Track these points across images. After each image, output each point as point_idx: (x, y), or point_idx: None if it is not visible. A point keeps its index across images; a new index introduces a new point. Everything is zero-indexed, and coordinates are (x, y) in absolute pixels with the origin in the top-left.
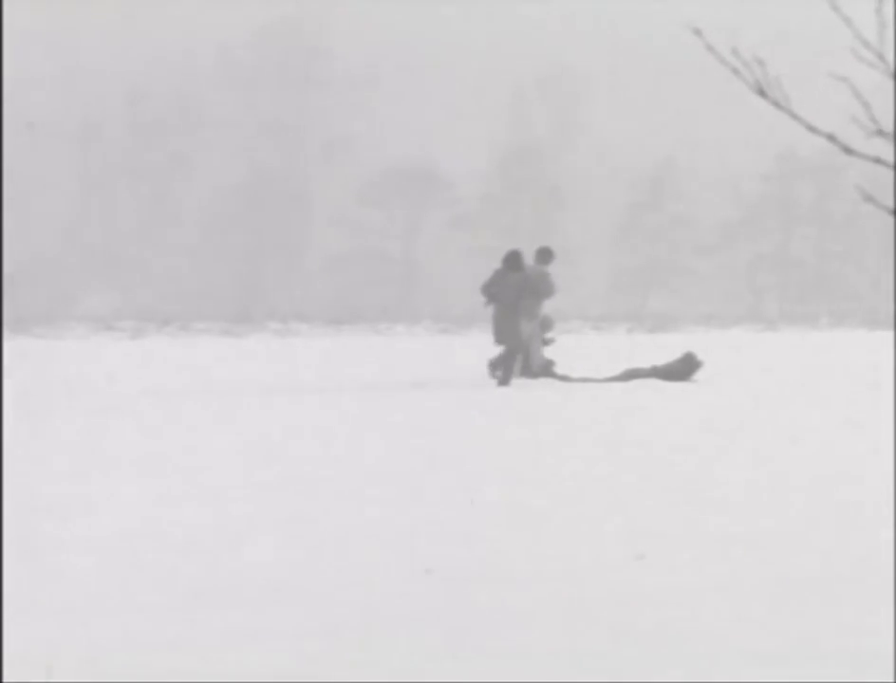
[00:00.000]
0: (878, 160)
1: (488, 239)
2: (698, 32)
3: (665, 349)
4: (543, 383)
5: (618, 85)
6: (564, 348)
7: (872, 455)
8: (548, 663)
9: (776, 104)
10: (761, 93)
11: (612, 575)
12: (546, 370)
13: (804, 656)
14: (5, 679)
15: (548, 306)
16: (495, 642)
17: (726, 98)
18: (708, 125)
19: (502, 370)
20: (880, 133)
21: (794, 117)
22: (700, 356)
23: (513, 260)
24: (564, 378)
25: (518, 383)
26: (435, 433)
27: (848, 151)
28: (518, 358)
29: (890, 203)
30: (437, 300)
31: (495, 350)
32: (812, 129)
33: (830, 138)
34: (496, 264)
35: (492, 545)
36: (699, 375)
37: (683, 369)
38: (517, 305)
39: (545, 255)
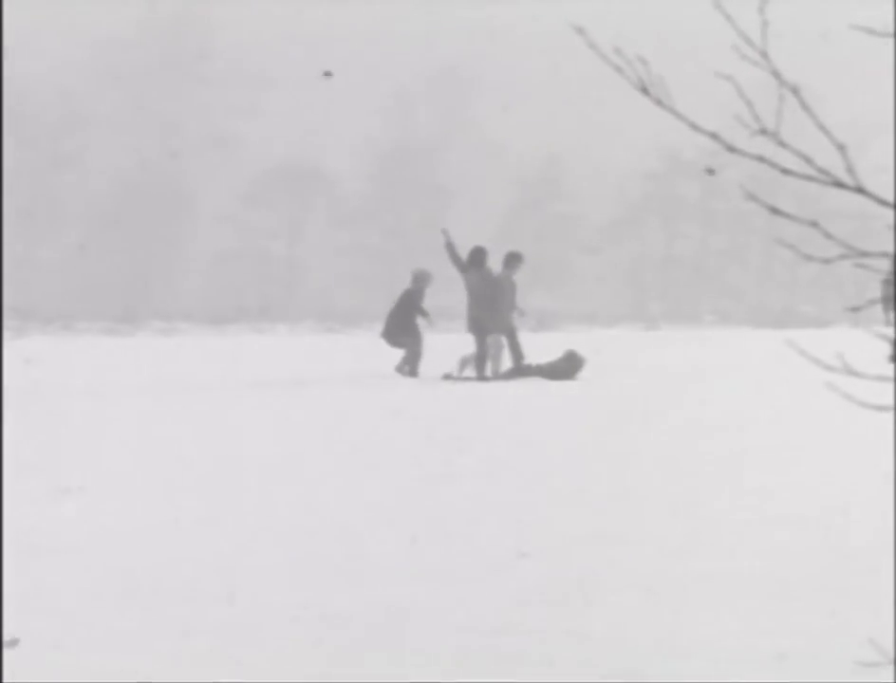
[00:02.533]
0: (761, 159)
1: (371, 238)
2: (581, 31)
3: (549, 348)
4: (422, 382)
5: (505, 85)
6: (451, 347)
7: (758, 452)
8: (426, 664)
9: (659, 103)
10: (644, 91)
11: (493, 573)
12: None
13: (690, 653)
14: (5, 679)
15: (432, 304)
16: (391, 640)
17: (611, 97)
18: (594, 125)
19: (475, 366)
20: (763, 131)
21: (677, 115)
22: (584, 354)
23: (476, 257)
24: (447, 377)
25: (404, 380)
26: (331, 430)
27: (731, 149)
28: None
29: (772, 201)
30: (320, 298)
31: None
32: (694, 127)
33: (714, 136)
34: (381, 263)
35: (361, 543)
36: (582, 373)
37: (567, 368)
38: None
39: (513, 260)
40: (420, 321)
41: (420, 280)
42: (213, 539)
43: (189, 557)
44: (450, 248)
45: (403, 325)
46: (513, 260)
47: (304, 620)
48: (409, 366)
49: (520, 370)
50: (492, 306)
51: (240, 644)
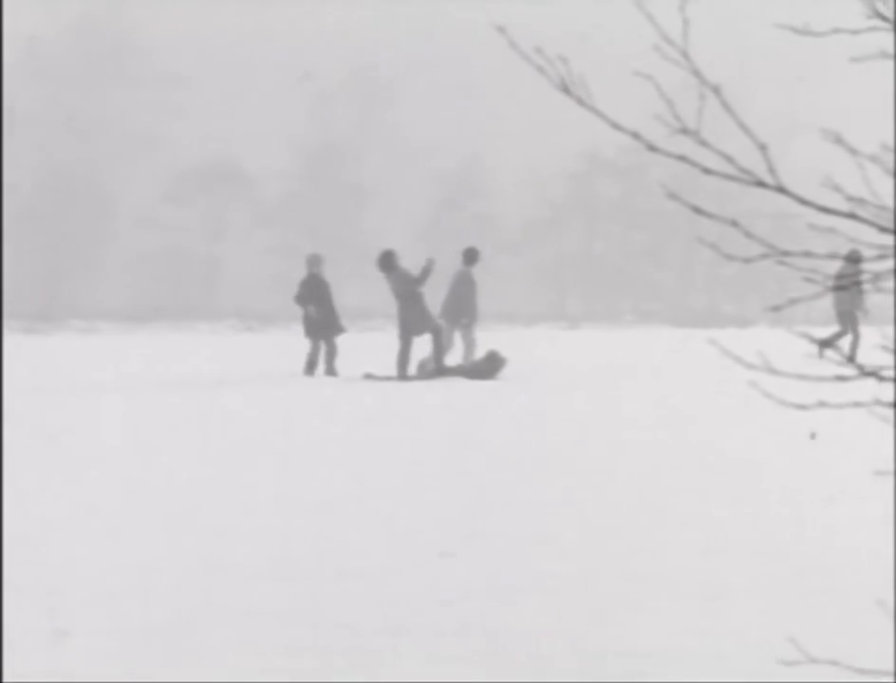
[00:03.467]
0: (682, 158)
1: (291, 238)
2: (501, 30)
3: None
4: (344, 381)
5: (427, 84)
6: (372, 346)
7: (681, 450)
8: (346, 662)
9: (580, 102)
10: (565, 90)
11: (416, 572)
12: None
13: (608, 652)
14: (5, 679)
15: (345, 303)
16: (291, 639)
17: (533, 97)
18: (515, 125)
19: (396, 365)
20: (684, 131)
21: (598, 114)
22: (505, 354)
23: (386, 260)
24: (368, 376)
25: (325, 380)
26: (256, 429)
27: (652, 148)
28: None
29: (694, 201)
30: (240, 298)
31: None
32: (616, 126)
33: (635, 135)
34: (300, 262)
35: (293, 541)
36: (503, 373)
37: (489, 367)
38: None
39: (471, 255)
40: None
41: (314, 264)
42: (123, 537)
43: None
44: (426, 273)
45: (324, 318)
46: (472, 255)
47: (221, 618)
48: (326, 364)
49: (441, 370)
50: (414, 307)
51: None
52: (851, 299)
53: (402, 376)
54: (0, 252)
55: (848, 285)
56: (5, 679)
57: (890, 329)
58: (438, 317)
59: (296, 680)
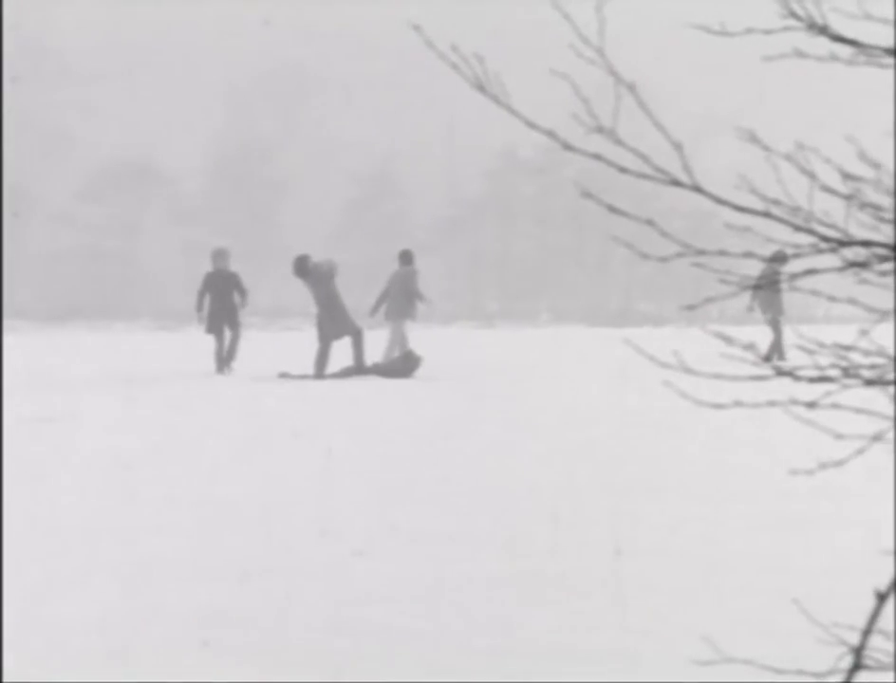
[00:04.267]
0: (597, 157)
1: (208, 236)
2: (417, 28)
3: (374, 347)
4: (258, 380)
5: (343, 83)
6: (289, 344)
7: (595, 449)
8: (263, 662)
9: (496, 100)
10: (480, 89)
11: (329, 571)
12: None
13: (518, 650)
14: (5, 679)
15: (262, 302)
16: (199, 638)
17: (449, 95)
18: (432, 123)
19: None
20: (599, 130)
21: (513, 113)
22: (420, 353)
23: (300, 265)
24: (284, 375)
25: (235, 379)
26: (168, 427)
27: (567, 147)
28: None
29: (610, 199)
30: (157, 297)
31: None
32: (531, 125)
33: (550, 134)
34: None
35: (209, 540)
36: (419, 372)
37: (404, 366)
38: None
39: (407, 257)
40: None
41: (218, 258)
42: (27, 541)
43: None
44: (328, 277)
45: (228, 312)
46: (408, 256)
47: (128, 617)
48: (220, 359)
49: (357, 369)
50: (334, 310)
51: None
52: (775, 299)
53: (319, 375)
54: (0, 254)
55: (766, 285)
56: (5, 679)
57: (805, 329)
58: (385, 317)
59: (207, 680)
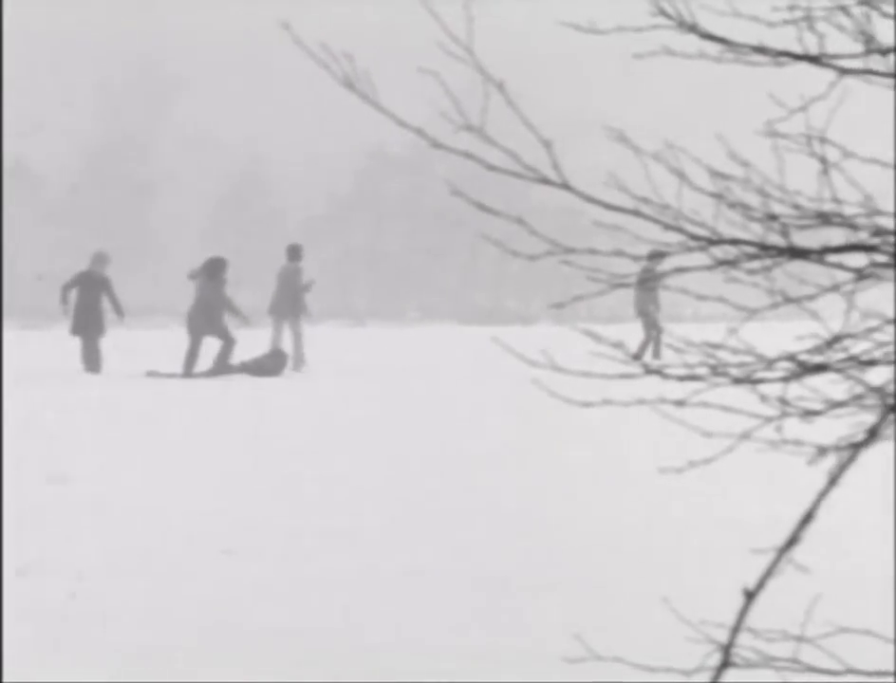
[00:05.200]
0: (467, 155)
1: (77, 235)
2: (287, 26)
3: (255, 344)
4: (125, 378)
5: (215, 81)
6: (156, 343)
7: (470, 447)
8: (137, 663)
9: (364, 98)
10: (350, 87)
11: (200, 570)
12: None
13: (391, 648)
14: (5, 679)
15: (129, 300)
16: (71, 639)
17: (320, 94)
18: (302, 121)
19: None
20: (468, 128)
21: (383, 111)
22: (288, 350)
23: (211, 267)
24: (151, 374)
25: (98, 377)
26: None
27: (436, 145)
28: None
29: (479, 198)
30: (25, 296)
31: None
32: (400, 123)
33: (419, 131)
34: (86, 260)
35: (75, 540)
36: (287, 370)
37: (273, 364)
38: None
39: (295, 252)
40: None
41: (98, 262)
42: None
43: None
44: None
45: (93, 314)
46: (296, 252)
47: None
48: (88, 362)
49: (224, 368)
50: (213, 310)
51: None
52: (650, 298)
53: (187, 373)
54: (0, 254)
55: (642, 283)
56: (5, 679)
57: (674, 327)
58: (269, 312)
59: (77, 681)
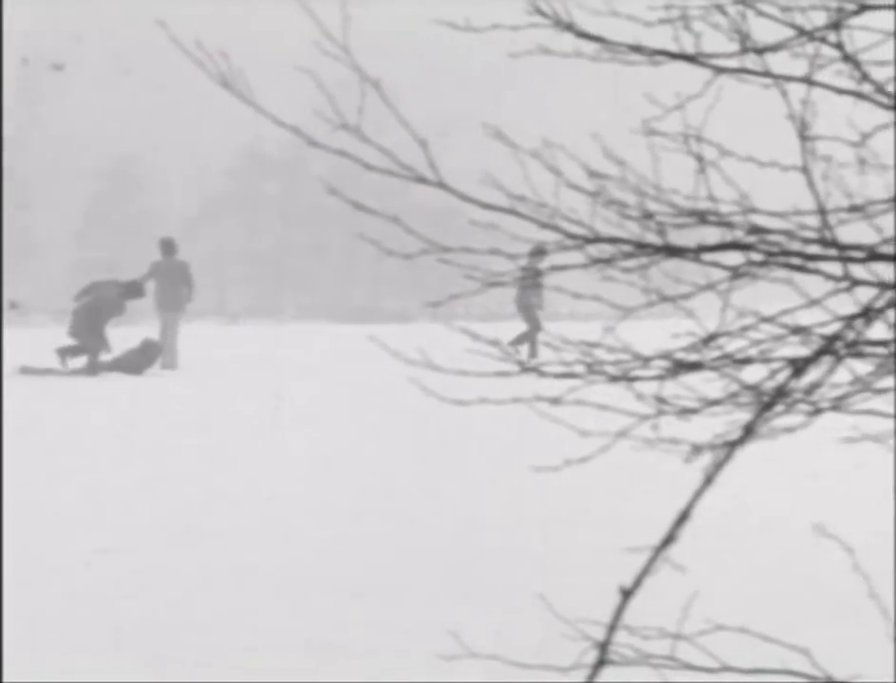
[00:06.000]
0: (342, 153)
1: None
2: (162, 24)
3: (127, 340)
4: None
5: (90, 78)
6: (29, 340)
7: (336, 447)
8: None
9: (240, 96)
10: (224, 85)
11: (77, 570)
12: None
13: (251, 645)
14: (5, 679)
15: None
16: None
17: (195, 92)
18: (176, 120)
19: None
20: (344, 126)
21: (258, 109)
22: (159, 342)
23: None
24: (26, 370)
25: None
26: None
27: (312, 144)
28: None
29: (356, 196)
30: None
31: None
32: (277, 122)
33: (295, 130)
34: None
35: None
36: (157, 366)
37: (143, 359)
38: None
39: (169, 246)
40: None
41: None
42: None
43: None
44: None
45: None
46: (170, 246)
47: None
48: None
49: (97, 366)
50: (98, 318)
51: None
52: (533, 294)
53: (64, 367)
54: (0, 251)
55: (523, 279)
56: (5, 679)
57: (551, 325)
58: (158, 308)
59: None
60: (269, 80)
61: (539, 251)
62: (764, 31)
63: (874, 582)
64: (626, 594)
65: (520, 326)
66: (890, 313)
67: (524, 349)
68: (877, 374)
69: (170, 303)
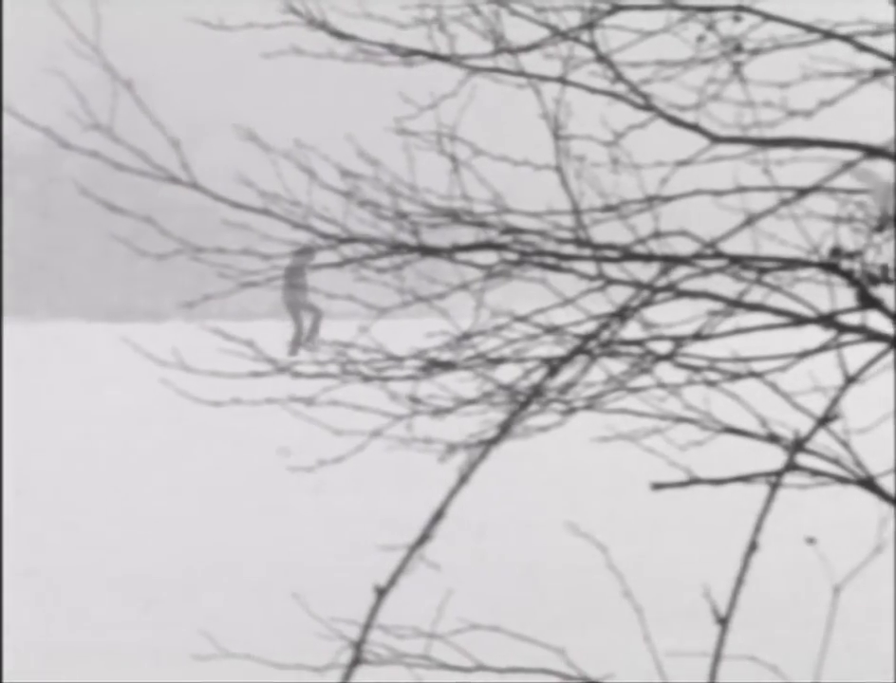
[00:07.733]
0: (94, 154)
1: None
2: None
3: None
4: None
5: None
6: None
7: (106, 448)
8: None
9: None
10: None
11: None
12: None
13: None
14: (5, 679)
15: None
16: None
17: None
18: None
19: None
20: (96, 127)
21: (8, 110)
22: None
23: None
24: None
25: None
26: None
27: (64, 145)
28: None
29: (109, 195)
30: None
31: None
32: (27, 122)
33: (47, 131)
34: None
35: None
36: None
37: None
38: None
39: None
40: None
41: None
42: None
43: None
44: None
45: None
46: None
47: None
48: None
49: None
50: None
51: None
52: (299, 292)
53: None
54: (0, 246)
55: (288, 277)
56: (5, 679)
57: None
58: None
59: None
60: (22, 79)
61: (305, 249)
62: (518, 31)
63: (629, 580)
64: (381, 592)
65: (289, 325)
66: (644, 312)
67: (316, 337)
68: (631, 373)
69: None
